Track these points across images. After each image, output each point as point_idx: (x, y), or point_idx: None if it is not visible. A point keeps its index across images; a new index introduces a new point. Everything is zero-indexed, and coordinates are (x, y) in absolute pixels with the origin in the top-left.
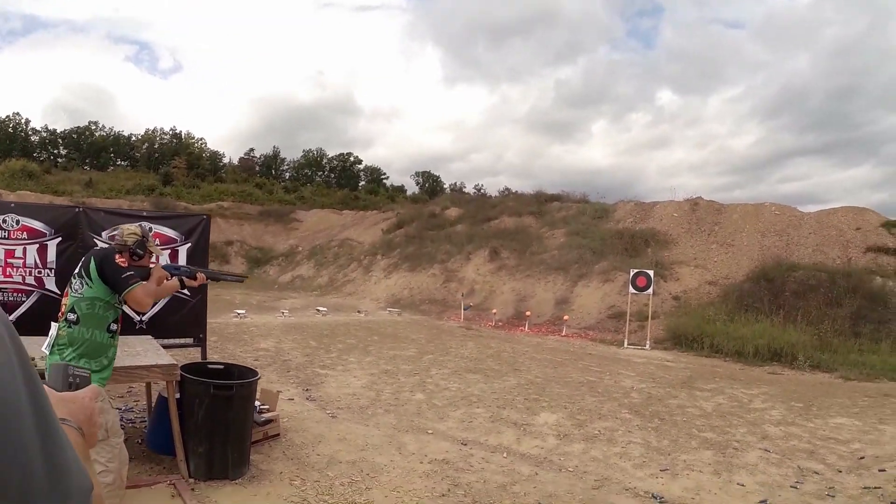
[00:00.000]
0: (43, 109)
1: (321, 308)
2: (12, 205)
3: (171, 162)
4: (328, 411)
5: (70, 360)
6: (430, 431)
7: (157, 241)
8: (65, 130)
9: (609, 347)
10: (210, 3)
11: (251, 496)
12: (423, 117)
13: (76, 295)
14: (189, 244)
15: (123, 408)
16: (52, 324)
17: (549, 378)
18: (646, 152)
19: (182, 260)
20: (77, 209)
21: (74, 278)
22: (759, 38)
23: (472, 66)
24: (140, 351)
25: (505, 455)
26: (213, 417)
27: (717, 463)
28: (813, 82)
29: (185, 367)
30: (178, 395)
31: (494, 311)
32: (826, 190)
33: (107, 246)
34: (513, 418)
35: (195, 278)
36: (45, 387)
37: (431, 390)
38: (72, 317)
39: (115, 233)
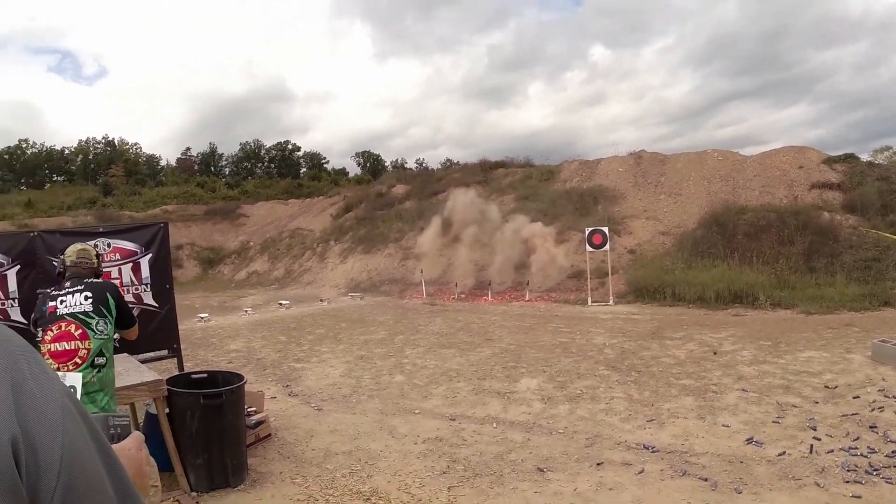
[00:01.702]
0: None
1: (283, 301)
2: None
3: (109, 171)
4: (313, 404)
5: (105, 406)
6: (417, 411)
7: (118, 255)
8: None
9: (574, 307)
10: (125, 4)
11: (256, 500)
12: (357, 96)
13: (102, 336)
14: (150, 255)
15: None
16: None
17: (522, 344)
18: (583, 110)
19: (145, 271)
20: (31, 234)
21: (91, 317)
22: None
23: (403, 39)
24: (121, 371)
25: (494, 425)
26: (207, 427)
27: (699, 408)
28: (742, 26)
29: (170, 381)
30: (167, 410)
31: (455, 283)
32: (764, 131)
33: (104, 281)
34: (495, 388)
35: None
36: None
37: (410, 370)
38: (101, 360)
39: (81, 260)
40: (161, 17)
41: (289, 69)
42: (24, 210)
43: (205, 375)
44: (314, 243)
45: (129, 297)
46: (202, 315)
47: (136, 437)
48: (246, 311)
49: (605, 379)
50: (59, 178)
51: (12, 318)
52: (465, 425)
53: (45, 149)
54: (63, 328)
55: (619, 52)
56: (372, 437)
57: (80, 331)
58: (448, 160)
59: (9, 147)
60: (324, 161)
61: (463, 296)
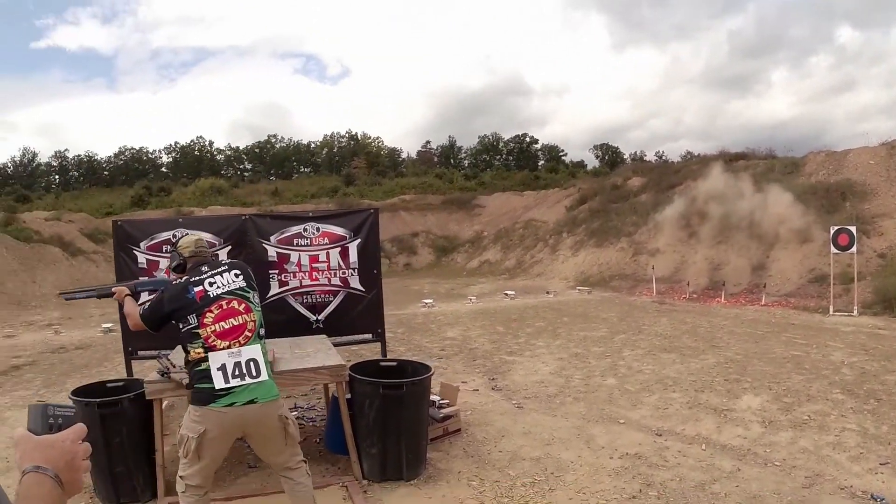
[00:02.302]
0: (225, 130)
1: (509, 292)
2: (180, 220)
3: (351, 163)
4: (514, 401)
5: (271, 375)
6: (621, 421)
7: (327, 240)
8: (247, 146)
9: (813, 315)
10: (365, 8)
11: (425, 499)
12: (595, 88)
13: (259, 308)
14: (359, 240)
15: (306, 406)
16: (222, 353)
17: (750, 354)
18: (831, 98)
19: (353, 256)
20: (243, 217)
21: (247, 291)
22: None
23: (639, 28)
24: (311, 352)
25: (703, 447)
26: (385, 417)
27: None
28: None
29: (356, 366)
30: (349, 396)
31: (687, 282)
32: None
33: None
34: (712, 403)
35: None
36: (24, 432)
37: (624, 374)
38: (263, 332)
39: (201, 248)
40: (399, 17)
41: (526, 63)
42: (270, 198)
43: (394, 364)
44: (547, 235)
45: (335, 281)
46: (427, 301)
47: (77, 429)
48: (471, 300)
49: (839, 405)
50: (305, 170)
51: (351, 285)
52: (671, 443)
53: (292, 143)
54: (225, 307)
55: (868, 33)
56: (566, 445)
57: (243, 305)
58: (688, 152)
59: (259, 142)
60: (562, 154)
61: (695, 296)
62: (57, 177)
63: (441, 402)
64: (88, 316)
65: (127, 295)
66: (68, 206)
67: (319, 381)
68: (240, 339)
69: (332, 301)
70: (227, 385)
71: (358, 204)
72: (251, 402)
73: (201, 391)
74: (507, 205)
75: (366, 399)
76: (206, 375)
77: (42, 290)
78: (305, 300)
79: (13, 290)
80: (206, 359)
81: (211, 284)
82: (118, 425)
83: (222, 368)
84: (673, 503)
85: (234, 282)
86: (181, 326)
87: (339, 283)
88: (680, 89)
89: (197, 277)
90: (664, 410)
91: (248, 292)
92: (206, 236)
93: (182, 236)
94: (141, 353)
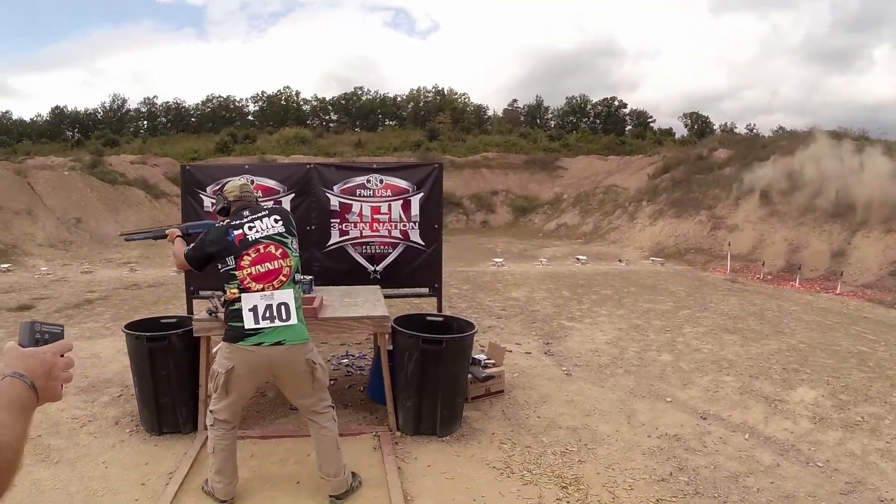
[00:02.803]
0: (314, 81)
1: (580, 257)
2: (246, 166)
3: (436, 118)
4: (564, 368)
5: (301, 319)
6: (668, 399)
7: (389, 192)
8: (334, 97)
9: (889, 311)
10: None
11: (453, 456)
12: (690, 54)
13: (297, 254)
14: (422, 194)
15: (357, 354)
16: (255, 294)
17: (814, 344)
18: None
19: (415, 210)
20: (308, 166)
21: (285, 237)
22: None
23: None
24: (360, 301)
25: (747, 437)
26: (423, 372)
27: None
28: None
29: (402, 319)
30: (391, 347)
31: (763, 262)
32: None
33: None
34: (765, 391)
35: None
36: (13, 344)
37: (680, 351)
38: (300, 277)
39: (245, 193)
40: None
41: (619, 24)
42: (353, 149)
43: (441, 319)
44: (626, 202)
45: (395, 233)
46: (497, 260)
47: (59, 344)
48: (541, 262)
49: None
50: (390, 123)
51: (411, 238)
52: (714, 428)
53: (378, 96)
54: (262, 251)
55: None
56: (605, 418)
57: (280, 250)
58: (780, 127)
59: (346, 93)
60: (650, 120)
61: (769, 277)
62: (145, 122)
63: (487, 361)
64: (165, 255)
65: (178, 236)
66: (155, 150)
67: (362, 331)
68: (274, 282)
69: (390, 253)
70: (257, 325)
71: (440, 159)
72: (278, 343)
73: (233, 329)
74: (589, 168)
75: (405, 352)
76: (238, 315)
77: (124, 229)
78: (365, 251)
79: (95, 228)
80: (239, 299)
81: (250, 228)
82: (165, 359)
83: (254, 310)
84: (702, 492)
85: (273, 227)
86: (220, 267)
87: (399, 236)
88: (777, 60)
89: (238, 221)
90: (714, 393)
91: (287, 238)
92: (271, 183)
93: (228, 181)
94: (202, 293)
